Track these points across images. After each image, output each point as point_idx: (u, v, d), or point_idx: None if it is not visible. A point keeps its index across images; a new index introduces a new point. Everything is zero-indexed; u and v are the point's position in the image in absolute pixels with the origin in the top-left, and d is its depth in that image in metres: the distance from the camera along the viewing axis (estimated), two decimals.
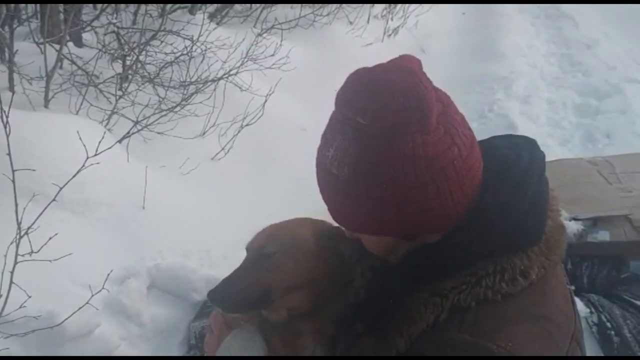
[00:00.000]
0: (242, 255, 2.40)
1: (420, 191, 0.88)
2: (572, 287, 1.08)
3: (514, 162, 0.99)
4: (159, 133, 2.83)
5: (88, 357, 1.87)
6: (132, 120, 2.75)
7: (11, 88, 2.76)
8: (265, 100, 3.13)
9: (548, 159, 1.12)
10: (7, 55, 2.83)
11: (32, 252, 1.57)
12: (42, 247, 1.62)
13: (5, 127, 1.49)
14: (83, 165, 1.66)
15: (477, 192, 0.93)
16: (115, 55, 3.25)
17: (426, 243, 0.96)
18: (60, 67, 3.06)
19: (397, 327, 0.95)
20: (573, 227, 2.38)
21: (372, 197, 0.89)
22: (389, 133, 0.86)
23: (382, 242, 0.99)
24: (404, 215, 0.90)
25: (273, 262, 1.15)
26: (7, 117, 1.47)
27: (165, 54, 3.26)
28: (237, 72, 3.21)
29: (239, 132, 3.05)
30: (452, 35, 6.03)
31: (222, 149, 3.01)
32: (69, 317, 1.80)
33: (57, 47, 2.93)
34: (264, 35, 3.80)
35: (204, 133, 3.06)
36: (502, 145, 1.05)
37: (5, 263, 1.66)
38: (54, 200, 1.74)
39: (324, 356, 1.07)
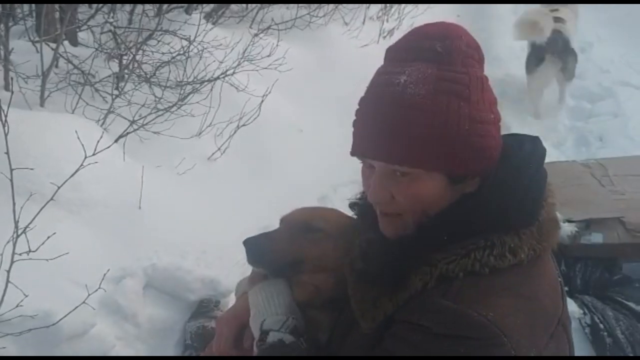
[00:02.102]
0: (238, 256, 2.40)
1: (478, 125, 0.97)
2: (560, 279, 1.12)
3: (515, 149, 1.07)
4: (155, 133, 2.83)
5: (86, 357, 1.87)
6: (129, 120, 2.75)
7: (7, 87, 2.75)
8: (262, 101, 3.13)
9: None
10: (2, 53, 2.82)
11: (29, 250, 1.56)
12: (39, 246, 1.61)
13: (3, 126, 1.48)
14: (81, 165, 1.66)
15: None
16: (112, 54, 3.24)
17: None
18: (56, 66, 3.05)
19: (386, 292, 1.00)
20: (567, 229, 2.38)
21: (442, 116, 0.95)
22: (461, 60, 0.98)
23: (433, 188, 1.00)
24: (459, 144, 0.97)
25: (316, 238, 1.19)
26: (5, 116, 1.47)
27: (162, 53, 3.26)
28: (233, 73, 3.21)
29: (235, 132, 3.06)
30: None
31: (218, 149, 3.02)
32: (64, 316, 1.80)
33: (53, 45, 2.93)
34: (261, 35, 3.80)
35: (200, 133, 3.06)
36: (507, 140, 1.11)
37: (1, 262, 1.66)
38: (51, 199, 1.73)
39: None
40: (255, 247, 1.25)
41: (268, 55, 3.48)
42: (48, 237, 1.67)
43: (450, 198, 1.01)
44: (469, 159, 0.98)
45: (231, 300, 2.34)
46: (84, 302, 1.80)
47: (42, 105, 2.76)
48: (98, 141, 1.75)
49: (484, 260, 0.95)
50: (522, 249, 0.98)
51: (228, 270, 2.39)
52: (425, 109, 0.95)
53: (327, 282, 1.20)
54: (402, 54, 1.02)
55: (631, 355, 2.03)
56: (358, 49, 4.76)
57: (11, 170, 1.51)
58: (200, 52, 3.28)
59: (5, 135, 1.50)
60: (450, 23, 1.04)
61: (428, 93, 0.95)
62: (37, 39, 3.11)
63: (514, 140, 1.10)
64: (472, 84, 0.97)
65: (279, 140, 3.26)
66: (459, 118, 0.96)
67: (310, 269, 1.23)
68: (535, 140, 1.11)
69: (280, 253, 1.24)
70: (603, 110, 4.42)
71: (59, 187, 1.73)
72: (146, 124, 2.78)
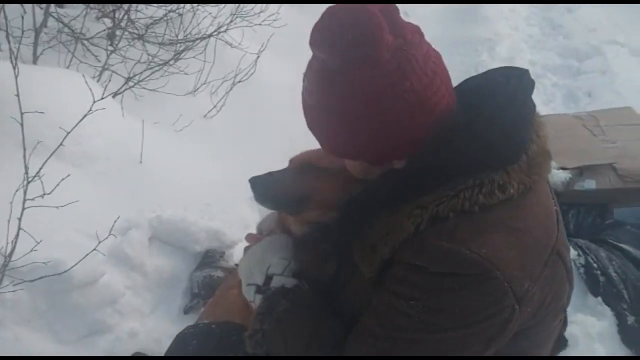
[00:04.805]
0: (241, 209, 2.42)
1: (371, 120, 0.97)
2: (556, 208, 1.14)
3: (501, 85, 1.08)
4: (150, 90, 2.82)
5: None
6: (124, 77, 2.73)
7: None
8: (257, 57, 3.12)
9: None
10: None
11: (44, 194, 1.57)
12: (52, 190, 1.62)
13: (14, 69, 1.47)
14: (90, 110, 1.66)
15: (442, 121, 1.00)
16: (102, 12, 3.19)
17: (393, 168, 1.06)
18: (45, 26, 2.99)
19: (382, 237, 1.04)
20: (561, 176, 2.47)
21: (333, 123, 1.00)
22: (341, 67, 0.97)
23: (356, 166, 1.11)
24: (361, 142, 1.00)
25: (322, 175, 1.21)
26: (15, 58, 1.46)
27: (156, 8, 3.21)
28: (226, 29, 3.19)
29: (230, 89, 3.05)
30: None
31: (214, 106, 3.01)
32: (75, 264, 1.82)
33: (43, 6, 2.87)
34: None
35: (195, 90, 3.05)
36: (497, 73, 1.14)
37: (11, 211, 1.66)
38: (61, 144, 1.74)
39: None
40: (261, 185, 1.26)
41: (261, 11, 3.45)
42: (57, 184, 1.67)
43: (381, 170, 1.08)
44: (366, 151, 1.04)
45: (236, 252, 2.38)
46: (94, 249, 1.82)
47: (34, 62, 2.73)
48: (105, 87, 1.74)
49: (473, 199, 0.98)
50: (511, 185, 1.00)
51: (231, 222, 2.42)
52: (317, 118, 1.04)
53: (329, 219, 1.22)
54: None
55: (624, 290, 2.12)
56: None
57: (21, 113, 1.51)
58: (194, 8, 3.24)
59: (16, 77, 1.49)
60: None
61: (315, 104, 1.03)
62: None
63: (502, 75, 1.11)
64: (347, 94, 0.97)
65: (274, 96, 3.25)
66: (341, 128, 1.01)
67: (315, 206, 1.25)
68: (522, 75, 1.11)
69: (285, 190, 1.25)
70: (591, 68, 4.46)
71: (68, 132, 1.73)
72: (142, 80, 2.76)
